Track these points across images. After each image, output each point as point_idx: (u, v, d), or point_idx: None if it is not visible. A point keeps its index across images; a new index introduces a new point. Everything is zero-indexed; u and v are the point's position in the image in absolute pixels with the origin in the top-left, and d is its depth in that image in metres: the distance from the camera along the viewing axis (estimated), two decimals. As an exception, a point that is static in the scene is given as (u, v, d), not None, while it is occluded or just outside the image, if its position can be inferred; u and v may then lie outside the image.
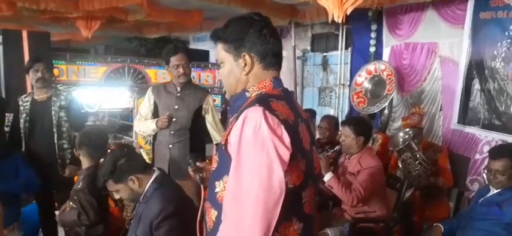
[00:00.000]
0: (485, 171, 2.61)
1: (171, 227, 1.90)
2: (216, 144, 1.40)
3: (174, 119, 2.90)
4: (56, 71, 4.73)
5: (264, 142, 1.12)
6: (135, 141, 5.74)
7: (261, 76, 1.31)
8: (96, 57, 5.78)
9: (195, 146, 2.88)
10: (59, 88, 3.44)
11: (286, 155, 1.14)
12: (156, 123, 2.90)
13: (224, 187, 1.22)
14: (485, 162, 3.86)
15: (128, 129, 6.28)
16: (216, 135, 3.00)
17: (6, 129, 3.53)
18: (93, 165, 2.57)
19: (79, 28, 5.67)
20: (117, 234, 2.91)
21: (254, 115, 1.15)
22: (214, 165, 1.30)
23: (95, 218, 2.39)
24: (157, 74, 5.79)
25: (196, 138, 2.91)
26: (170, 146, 2.92)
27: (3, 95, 4.62)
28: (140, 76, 5.69)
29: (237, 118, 1.20)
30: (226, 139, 1.21)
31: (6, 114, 4.70)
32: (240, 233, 1.13)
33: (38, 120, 3.15)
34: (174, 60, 2.89)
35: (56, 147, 3.12)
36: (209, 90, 6.44)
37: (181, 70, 2.89)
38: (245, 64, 1.29)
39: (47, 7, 4.44)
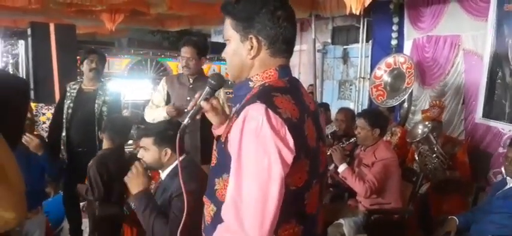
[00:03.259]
0: (503, 168, 2.57)
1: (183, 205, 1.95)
2: (216, 138, 1.30)
3: (185, 110, 2.94)
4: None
5: (266, 145, 1.05)
6: (157, 131, 5.87)
7: (267, 63, 1.21)
8: (119, 50, 5.93)
9: (205, 136, 2.93)
10: (106, 83, 3.53)
11: (289, 158, 1.07)
12: (165, 110, 2.97)
13: (223, 185, 1.18)
14: (508, 155, 3.81)
15: (150, 120, 6.42)
16: None
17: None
18: (111, 147, 2.71)
19: (103, 21, 5.82)
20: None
21: (255, 114, 1.07)
22: (214, 161, 1.25)
23: (100, 196, 2.50)
24: (178, 67, 5.89)
25: (206, 128, 2.93)
26: None
27: (32, 85, 4.80)
28: (162, 68, 5.82)
29: (237, 114, 1.12)
30: (226, 137, 1.15)
31: (40, 104, 4.91)
32: None
33: (80, 108, 3.25)
34: (181, 52, 3.01)
35: (97, 139, 3.20)
36: (230, 82, 6.54)
37: (184, 63, 3.00)
38: (251, 47, 1.18)
39: (73, 0, 4.59)
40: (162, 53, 5.96)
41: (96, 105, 3.23)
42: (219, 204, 1.19)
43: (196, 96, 1.35)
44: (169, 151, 2.08)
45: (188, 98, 2.98)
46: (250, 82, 1.22)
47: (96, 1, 4.79)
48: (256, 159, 1.06)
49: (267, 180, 1.05)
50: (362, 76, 6.00)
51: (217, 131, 1.42)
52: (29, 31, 4.91)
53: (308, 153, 1.16)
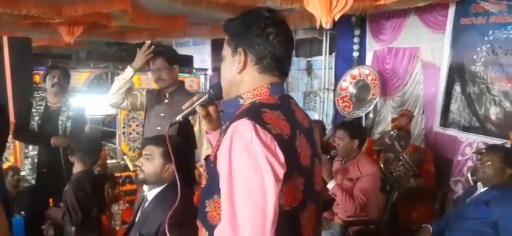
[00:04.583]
0: (469, 174, 2.67)
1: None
2: (205, 158, 1.27)
3: (158, 128, 2.74)
4: (37, 77, 4.66)
5: (257, 160, 1.02)
6: (119, 147, 5.64)
7: (258, 80, 1.20)
8: (78, 63, 5.69)
9: (182, 158, 2.81)
10: (69, 99, 3.39)
11: (280, 173, 1.04)
12: (138, 58, 2.77)
13: (214, 206, 1.13)
14: (468, 163, 4.00)
15: (111, 135, 6.18)
16: (198, 149, 2.90)
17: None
18: (85, 169, 2.61)
19: (61, 33, 5.55)
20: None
21: (244, 129, 1.04)
22: (204, 182, 1.21)
23: (78, 221, 2.41)
24: (141, 79, 5.72)
25: (184, 147, 2.81)
26: None
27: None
28: (124, 82, 5.61)
29: (225, 131, 1.09)
30: (215, 156, 1.11)
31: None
32: None
33: (46, 126, 3.15)
34: (151, 64, 2.82)
35: (62, 158, 3.08)
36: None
37: (155, 76, 2.81)
38: (239, 61, 1.19)
39: (28, 13, 4.35)
40: (123, 66, 5.76)
41: (59, 122, 3.15)
42: (210, 228, 1.14)
43: (194, 98, 1.38)
44: (172, 167, 1.99)
45: (162, 114, 2.82)
46: (240, 100, 1.21)
47: (54, 13, 4.55)
48: (249, 175, 1.02)
49: (262, 196, 1.01)
50: (326, 87, 6.11)
51: (209, 136, 1.45)
52: (-20, 45, 4.60)
53: (301, 171, 1.14)
